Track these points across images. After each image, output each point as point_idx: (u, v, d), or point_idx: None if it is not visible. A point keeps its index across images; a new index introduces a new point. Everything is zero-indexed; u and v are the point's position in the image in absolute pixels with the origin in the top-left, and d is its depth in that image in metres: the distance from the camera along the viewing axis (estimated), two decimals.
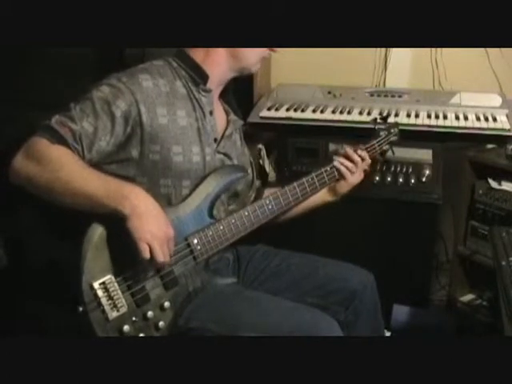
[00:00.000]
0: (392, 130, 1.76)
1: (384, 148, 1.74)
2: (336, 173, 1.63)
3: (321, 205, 1.69)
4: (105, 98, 1.33)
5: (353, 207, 2.02)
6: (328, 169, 1.62)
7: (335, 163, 1.63)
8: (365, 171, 1.69)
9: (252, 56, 1.49)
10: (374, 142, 1.71)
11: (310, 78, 2.47)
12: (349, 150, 1.65)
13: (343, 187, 1.66)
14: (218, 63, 1.46)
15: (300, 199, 1.57)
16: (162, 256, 1.26)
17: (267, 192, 1.62)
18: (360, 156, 1.65)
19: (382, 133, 1.74)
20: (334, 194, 1.68)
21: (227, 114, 1.58)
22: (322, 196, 1.67)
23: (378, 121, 1.78)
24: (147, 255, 1.24)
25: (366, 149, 1.69)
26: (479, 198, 2.26)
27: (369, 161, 1.68)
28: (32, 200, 1.30)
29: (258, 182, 1.70)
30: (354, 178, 1.65)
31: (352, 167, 1.63)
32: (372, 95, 2.34)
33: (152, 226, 1.24)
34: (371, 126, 1.77)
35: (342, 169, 1.63)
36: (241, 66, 1.49)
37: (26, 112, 1.60)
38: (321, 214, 1.71)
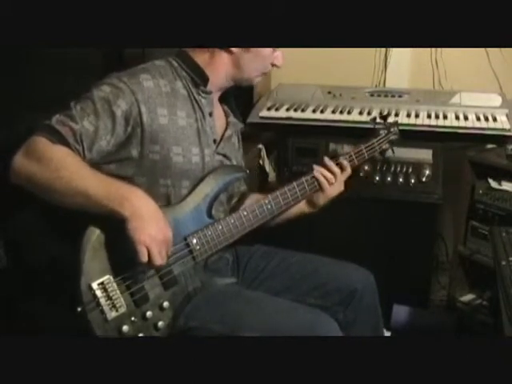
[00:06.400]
0: (392, 129, 1.76)
1: (384, 147, 1.73)
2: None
3: (298, 216, 1.64)
4: (106, 98, 1.33)
5: (353, 207, 2.02)
6: None
7: (315, 173, 1.57)
8: (345, 183, 1.62)
9: (254, 69, 1.49)
10: (374, 140, 1.70)
11: (310, 78, 2.47)
12: (328, 161, 1.59)
13: (320, 199, 1.61)
14: (221, 70, 1.46)
15: (300, 199, 1.56)
16: (159, 259, 1.25)
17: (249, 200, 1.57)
18: (340, 165, 1.60)
19: (381, 131, 1.74)
20: (311, 205, 1.63)
21: (227, 115, 1.58)
22: (300, 207, 1.63)
23: (378, 120, 1.78)
24: (145, 258, 1.24)
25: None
26: (479, 197, 2.26)
27: (349, 171, 1.62)
28: (32, 200, 1.29)
29: (243, 188, 1.66)
30: (333, 189, 1.59)
31: (331, 178, 1.57)
32: (372, 95, 2.34)
33: (151, 228, 1.23)
34: (371, 126, 1.77)
35: (321, 179, 1.57)
36: (242, 76, 1.49)
37: (25, 112, 1.59)
38: (321, 214, 1.70)
